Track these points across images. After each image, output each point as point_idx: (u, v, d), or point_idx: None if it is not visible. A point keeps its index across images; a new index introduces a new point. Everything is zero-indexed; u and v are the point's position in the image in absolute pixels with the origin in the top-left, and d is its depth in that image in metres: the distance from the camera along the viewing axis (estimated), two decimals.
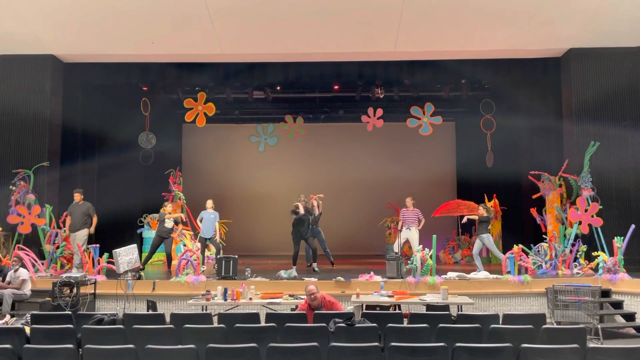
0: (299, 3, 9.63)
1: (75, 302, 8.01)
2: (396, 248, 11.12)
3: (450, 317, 6.21)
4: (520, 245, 9.84)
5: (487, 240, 10.47)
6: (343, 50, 10.85)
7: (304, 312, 6.25)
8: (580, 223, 10.02)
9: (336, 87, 13.56)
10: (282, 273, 9.45)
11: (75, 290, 8.13)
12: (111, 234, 11.66)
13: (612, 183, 10.33)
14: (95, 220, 10.19)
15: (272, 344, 4.65)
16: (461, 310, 7.21)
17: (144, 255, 11.79)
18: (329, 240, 11.72)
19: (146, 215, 13.39)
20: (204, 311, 7.31)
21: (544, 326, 5.45)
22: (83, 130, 12.24)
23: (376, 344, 4.80)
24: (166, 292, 9.00)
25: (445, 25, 10.09)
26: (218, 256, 9.88)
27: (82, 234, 9.99)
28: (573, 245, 9.97)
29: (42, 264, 9.99)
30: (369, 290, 8.24)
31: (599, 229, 9.94)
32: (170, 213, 10.84)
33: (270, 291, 8.17)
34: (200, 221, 10.88)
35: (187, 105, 12.75)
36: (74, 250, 9.99)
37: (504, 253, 10.49)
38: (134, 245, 9.55)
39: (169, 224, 10.66)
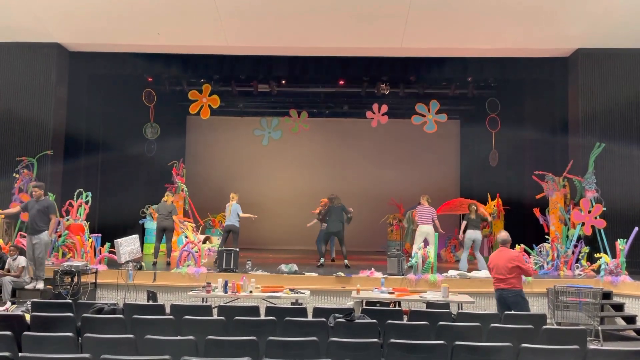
0: None
1: (76, 291, 8.03)
2: (415, 248, 10.34)
3: (451, 315, 6.20)
4: (523, 245, 9.82)
5: (466, 236, 10.45)
6: (349, 45, 10.81)
7: None
8: (583, 224, 9.97)
9: (341, 82, 13.51)
10: (283, 267, 9.45)
11: (76, 279, 8.15)
12: (113, 224, 11.67)
13: (616, 185, 10.28)
14: (53, 223, 8.47)
15: (271, 338, 4.64)
16: (461, 309, 7.20)
17: (149, 246, 11.82)
18: None
19: (148, 206, 13.40)
20: (204, 303, 7.31)
21: (545, 326, 5.42)
22: (87, 120, 12.24)
23: (375, 340, 4.79)
24: (167, 283, 9.04)
25: (452, 23, 10.03)
26: (220, 249, 9.91)
27: (43, 238, 8.37)
28: (575, 246, 9.93)
29: None
30: (370, 287, 8.24)
31: (602, 231, 9.90)
32: (172, 203, 10.91)
33: (270, 285, 8.17)
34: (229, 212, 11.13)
35: (191, 97, 12.74)
36: (36, 258, 8.32)
37: None
38: (136, 236, 9.57)
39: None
